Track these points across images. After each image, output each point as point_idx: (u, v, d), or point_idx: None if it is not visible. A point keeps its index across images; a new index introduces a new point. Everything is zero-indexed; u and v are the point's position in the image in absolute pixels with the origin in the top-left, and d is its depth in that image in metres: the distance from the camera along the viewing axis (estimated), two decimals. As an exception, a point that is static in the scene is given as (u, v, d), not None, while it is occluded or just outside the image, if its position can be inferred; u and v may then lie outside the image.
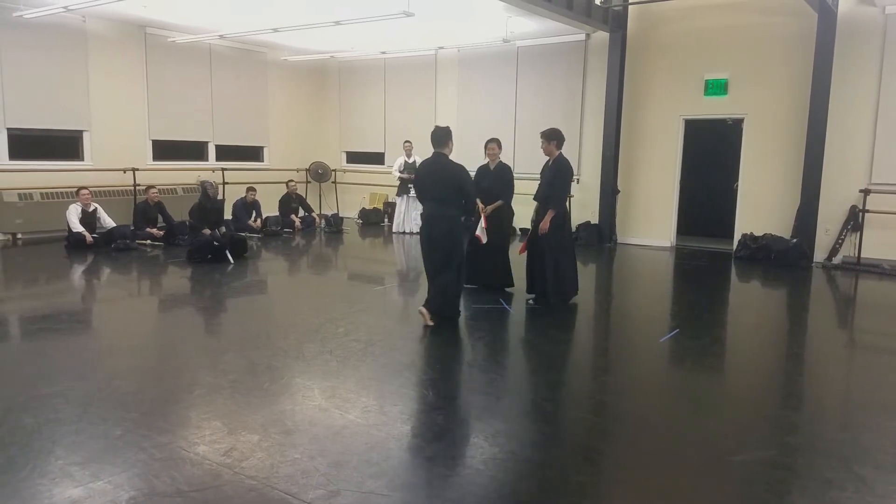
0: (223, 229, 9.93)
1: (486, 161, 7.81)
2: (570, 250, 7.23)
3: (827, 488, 3.23)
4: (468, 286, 7.51)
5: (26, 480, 3.16)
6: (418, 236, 12.51)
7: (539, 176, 7.29)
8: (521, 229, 12.27)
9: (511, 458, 3.49)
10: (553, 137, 7.06)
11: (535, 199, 7.32)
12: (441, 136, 6.10)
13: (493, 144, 7.80)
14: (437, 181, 6.04)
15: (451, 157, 6.28)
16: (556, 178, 6.98)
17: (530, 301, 7.20)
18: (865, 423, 4.12)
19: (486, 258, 7.54)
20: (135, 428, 3.70)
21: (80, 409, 3.97)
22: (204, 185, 10.12)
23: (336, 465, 3.34)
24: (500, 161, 7.80)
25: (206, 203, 9.92)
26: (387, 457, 3.46)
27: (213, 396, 4.26)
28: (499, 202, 7.47)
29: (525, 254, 7.33)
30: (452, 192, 5.98)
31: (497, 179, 7.62)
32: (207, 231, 9.51)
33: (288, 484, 3.15)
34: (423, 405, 4.21)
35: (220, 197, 10.34)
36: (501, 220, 7.66)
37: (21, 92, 10.84)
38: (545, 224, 6.89)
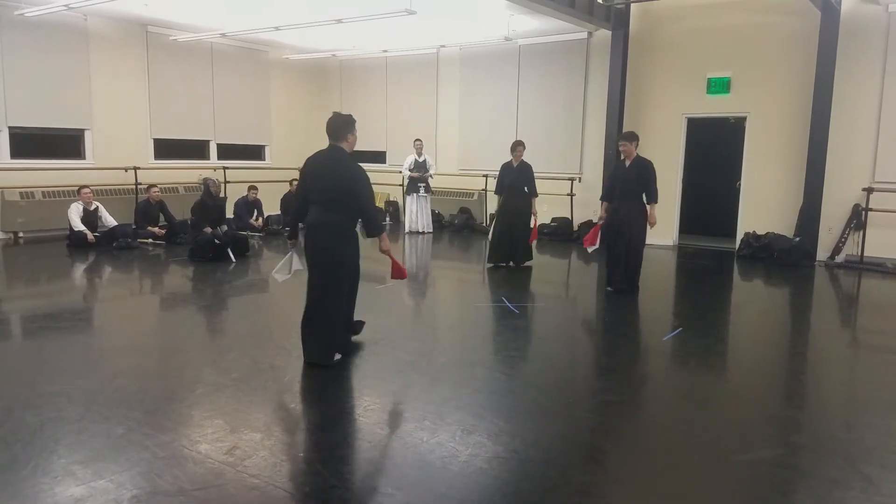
0: (224, 228, 9.91)
1: (510, 160, 9.23)
2: (643, 243, 7.90)
3: (833, 488, 3.22)
4: (499, 265, 9.26)
5: (29, 479, 3.15)
6: (419, 236, 12.50)
7: (611, 178, 7.99)
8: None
9: (514, 457, 3.48)
10: (635, 139, 7.73)
11: (603, 199, 8.08)
12: (339, 126, 4.84)
13: (520, 146, 9.28)
14: (326, 181, 4.77)
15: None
16: (650, 176, 7.56)
17: (609, 289, 7.85)
18: (870, 422, 4.10)
19: (508, 240, 9.13)
20: (137, 426, 3.69)
21: (82, 408, 3.96)
22: (206, 183, 9.96)
23: (338, 464, 3.33)
24: (523, 160, 9.22)
25: (208, 201, 9.77)
26: (390, 455, 3.45)
27: (216, 395, 4.25)
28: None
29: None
30: (344, 196, 4.72)
31: (521, 175, 9.12)
32: (209, 229, 9.49)
33: (290, 483, 3.14)
34: (427, 403, 4.20)
35: (222, 195, 10.19)
36: (524, 208, 9.11)
37: (23, 91, 10.83)
38: (653, 218, 7.59)
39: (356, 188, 4.72)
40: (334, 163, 4.81)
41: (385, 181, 14.24)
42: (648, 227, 7.64)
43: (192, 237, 9.61)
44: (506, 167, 9.28)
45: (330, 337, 4.82)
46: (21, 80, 10.78)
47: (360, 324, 5.45)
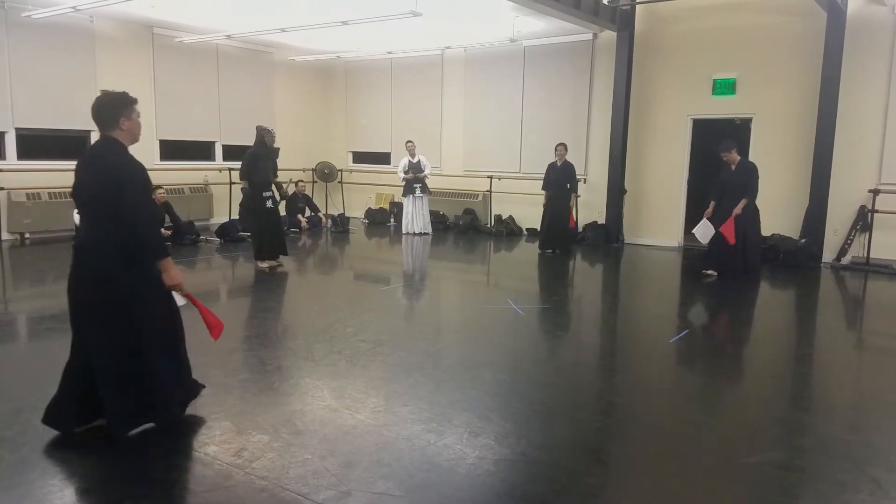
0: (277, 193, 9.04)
1: (555, 160, 10.58)
2: (759, 235, 9.01)
3: (841, 491, 3.21)
4: (546, 252, 10.58)
5: (37, 481, 3.16)
6: (418, 237, 12.51)
7: (720, 181, 8.84)
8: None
9: (522, 460, 3.48)
10: (734, 147, 8.69)
11: (713, 198, 8.85)
12: (105, 110, 3.58)
13: (562, 147, 10.57)
14: (85, 186, 3.58)
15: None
16: (753, 178, 8.58)
17: (709, 273, 8.79)
18: (877, 425, 4.10)
19: (553, 231, 10.57)
20: (144, 428, 3.69)
21: (90, 409, 3.97)
22: (260, 130, 8.82)
23: (347, 466, 3.34)
24: (566, 160, 10.54)
25: (260, 150, 8.68)
26: (397, 457, 3.45)
27: (224, 396, 4.26)
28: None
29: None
30: (108, 206, 3.43)
31: (563, 173, 10.48)
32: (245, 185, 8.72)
33: (299, 484, 3.14)
34: (433, 405, 4.20)
35: (276, 145, 8.97)
36: (565, 202, 10.55)
37: (29, 92, 10.88)
38: (739, 209, 8.50)
39: (116, 190, 3.40)
40: (96, 161, 3.57)
41: (390, 182, 14.27)
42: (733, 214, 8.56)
43: (246, 204, 8.93)
44: (551, 166, 10.67)
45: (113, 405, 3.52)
46: (28, 81, 10.82)
47: (188, 394, 3.93)
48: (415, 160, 12.62)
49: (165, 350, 3.68)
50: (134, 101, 3.64)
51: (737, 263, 8.70)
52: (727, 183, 8.72)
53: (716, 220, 8.73)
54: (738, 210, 8.51)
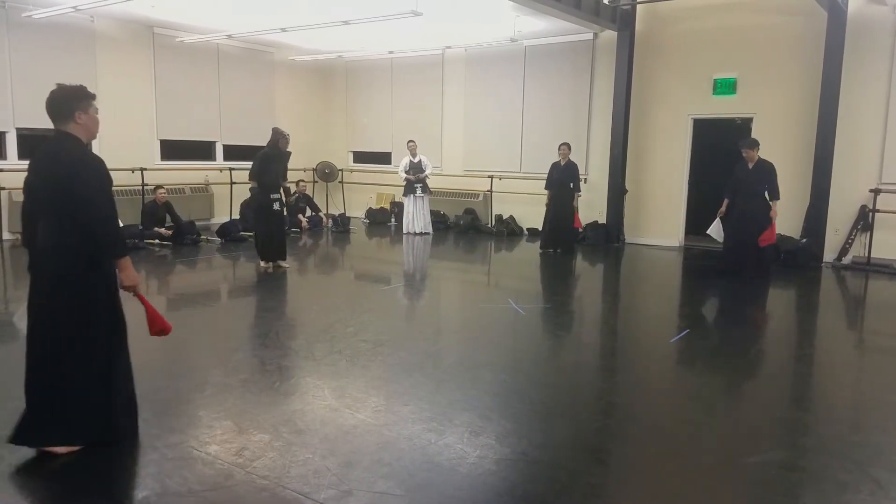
0: (288, 192, 9.09)
1: (558, 159, 10.70)
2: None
3: (842, 490, 3.21)
4: (548, 251, 10.62)
5: (38, 481, 3.16)
6: (418, 237, 12.51)
7: (735, 179, 8.84)
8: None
9: (522, 459, 3.48)
10: (756, 145, 8.73)
11: (727, 196, 8.87)
12: (60, 102, 3.39)
13: (565, 147, 10.72)
14: (39, 183, 3.39)
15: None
16: (773, 176, 8.65)
17: (755, 275, 8.68)
18: (879, 425, 4.10)
19: (556, 229, 10.65)
20: (146, 427, 3.70)
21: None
22: (276, 133, 8.79)
23: (347, 465, 3.34)
24: (570, 159, 10.68)
25: (272, 152, 8.70)
26: (398, 457, 3.45)
27: (224, 396, 4.27)
28: (775, 206, 8.70)
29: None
30: (60, 199, 3.27)
31: (566, 173, 10.61)
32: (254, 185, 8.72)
33: (300, 484, 3.15)
34: (434, 405, 4.20)
35: (289, 150, 8.95)
36: (568, 202, 10.62)
37: (30, 92, 10.85)
38: (775, 213, 8.61)
39: (74, 189, 3.23)
40: (50, 157, 3.37)
41: (390, 182, 14.28)
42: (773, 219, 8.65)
43: (256, 200, 8.93)
44: (554, 165, 10.77)
45: (43, 415, 3.34)
46: (28, 81, 10.82)
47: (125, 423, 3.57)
48: (416, 160, 12.63)
49: (100, 367, 3.42)
50: (91, 96, 3.49)
51: (753, 263, 8.73)
52: (742, 181, 8.74)
53: (729, 219, 8.81)
54: (773, 215, 8.60)
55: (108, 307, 3.46)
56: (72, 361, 3.34)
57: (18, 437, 3.33)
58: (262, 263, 8.71)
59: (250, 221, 11.88)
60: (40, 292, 3.36)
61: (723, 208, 8.94)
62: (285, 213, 11.97)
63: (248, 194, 12.29)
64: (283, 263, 8.81)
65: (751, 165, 8.73)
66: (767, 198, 8.66)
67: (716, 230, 9.00)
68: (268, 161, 8.67)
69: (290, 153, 9.02)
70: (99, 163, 3.41)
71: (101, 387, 3.41)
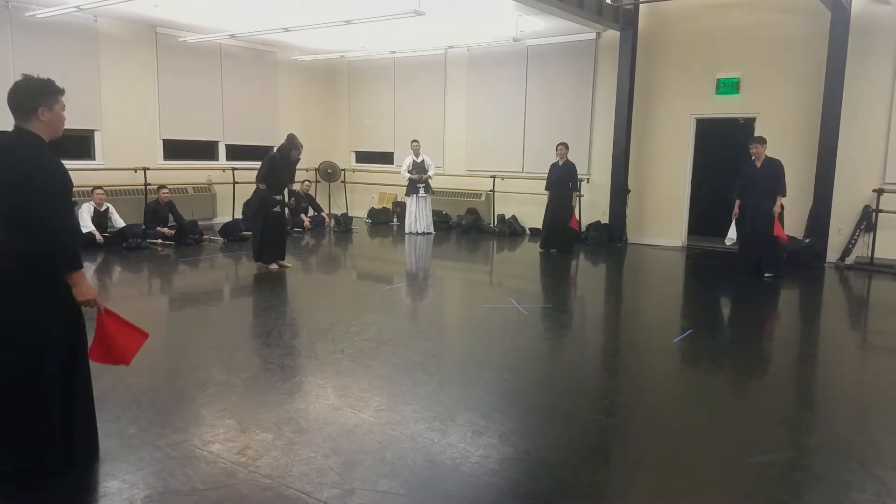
0: (292, 199, 9.04)
1: (556, 160, 10.70)
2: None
3: (847, 490, 3.20)
4: (549, 251, 10.55)
5: (44, 479, 3.16)
6: (421, 237, 12.50)
7: (743, 177, 8.86)
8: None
9: (525, 458, 3.47)
10: (764, 142, 8.79)
11: (735, 197, 8.92)
12: (24, 97, 3.12)
13: (562, 147, 10.68)
14: None
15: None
16: (780, 173, 8.67)
17: (768, 276, 8.69)
18: (883, 424, 4.09)
19: (554, 229, 10.68)
20: (149, 426, 3.70)
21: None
22: (291, 141, 8.73)
23: (350, 464, 3.33)
24: (567, 159, 10.66)
25: (281, 160, 8.64)
26: (401, 456, 3.45)
27: (227, 395, 4.26)
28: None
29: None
30: (16, 207, 2.99)
31: (564, 173, 10.61)
32: (262, 187, 8.55)
33: (303, 483, 3.14)
34: (437, 404, 4.19)
35: (298, 157, 8.96)
36: (566, 202, 10.62)
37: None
38: (777, 207, 8.61)
39: (29, 193, 2.94)
40: (6, 155, 3.08)
41: (393, 182, 14.27)
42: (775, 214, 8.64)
43: (254, 202, 8.82)
44: (553, 165, 10.80)
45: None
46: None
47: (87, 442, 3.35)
48: (419, 160, 12.63)
49: (61, 389, 3.15)
50: (59, 91, 3.18)
51: (770, 264, 8.75)
52: (752, 179, 8.73)
53: (742, 220, 8.82)
54: (776, 209, 8.61)
55: (64, 318, 3.14)
56: (23, 380, 3.05)
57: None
58: (268, 266, 8.66)
59: (250, 220, 11.92)
60: None
61: (736, 209, 8.94)
62: (287, 213, 12.02)
63: (251, 194, 12.35)
64: (284, 263, 8.79)
65: (758, 163, 8.72)
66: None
67: (734, 232, 9.01)
68: (276, 166, 8.66)
69: (298, 159, 9.03)
70: (57, 166, 3.13)
71: (56, 407, 3.12)
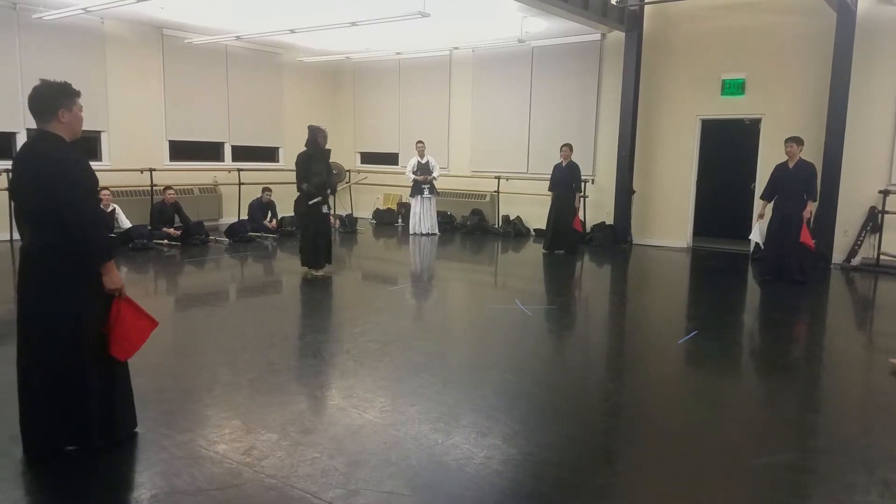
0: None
1: (560, 160, 10.75)
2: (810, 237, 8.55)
3: (851, 492, 3.20)
4: (554, 252, 10.52)
5: (49, 478, 3.19)
6: (425, 237, 12.48)
7: (774, 179, 8.58)
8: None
9: (529, 460, 3.48)
10: (801, 142, 8.48)
11: (763, 198, 8.72)
12: (43, 99, 3.31)
13: (566, 148, 10.73)
14: (21, 184, 3.33)
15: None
16: (813, 177, 8.41)
17: (799, 280, 8.39)
18: (888, 426, 4.08)
19: (558, 230, 10.69)
20: (155, 426, 3.72)
21: (100, 408, 3.99)
22: (312, 130, 8.29)
23: (355, 465, 3.35)
24: (571, 160, 10.73)
25: (312, 152, 8.22)
26: (405, 456, 3.46)
27: (233, 395, 4.29)
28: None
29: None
30: (43, 206, 3.18)
31: (568, 173, 10.68)
32: (304, 185, 8.15)
33: (307, 483, 3.16)
34: (441, 405, 4.21)
35: (326, 141, 8.37)
36: (570, 203, 10.69)
37: (40, 93, 10.94)
38: (808, 213, 8.37)
39: (54, 191, 3.13)
40: (33, 159, 3.27)
41: (398, 183, 14.29)
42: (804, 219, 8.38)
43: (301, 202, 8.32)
44: (557, 166, 10.85)
45: (43, 421, 3.30)
46: (38, 82, 10.89)
47: (125, 426, 3.55)
48: (424, 160, 12.65)
49: (99, 369, 3.36)
50: (76, 93, 3.36)
51: (794, 269, 8.44)
52: (782, 181, 8.46)
53: (773, 223, 8.55)
54: (807, 214, 8.35)
55: (98, 308, 3.35)
56: (66, 365, 3.26)
57: (29, 445, 3.31)
58: (312, 272, 8.23)
59: (258, 222, 11.96)
60: (29, 296, 3.27)
61: (761, 210, 8.77)
62: (290, 210, 11.96)
63: (256, 194, 12.40)
64: (322, 270, 8.36)
65: (791, 165, 8.45)
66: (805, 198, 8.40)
67: (758, 234, 8.77)
68: (309, 162, 8.19)
69: (329, 150, 8.52)
70: (84, 164, 3.33)
71: (98, 387, 3.35)
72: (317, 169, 8.17)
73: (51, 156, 3.20)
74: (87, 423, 3.33)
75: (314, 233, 8.23)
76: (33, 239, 3.25)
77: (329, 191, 8.50)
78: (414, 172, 12.65)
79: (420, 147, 12.70)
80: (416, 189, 12.66)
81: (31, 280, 3.27)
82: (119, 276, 3.42)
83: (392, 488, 3.13)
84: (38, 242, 3.23)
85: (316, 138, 8.20)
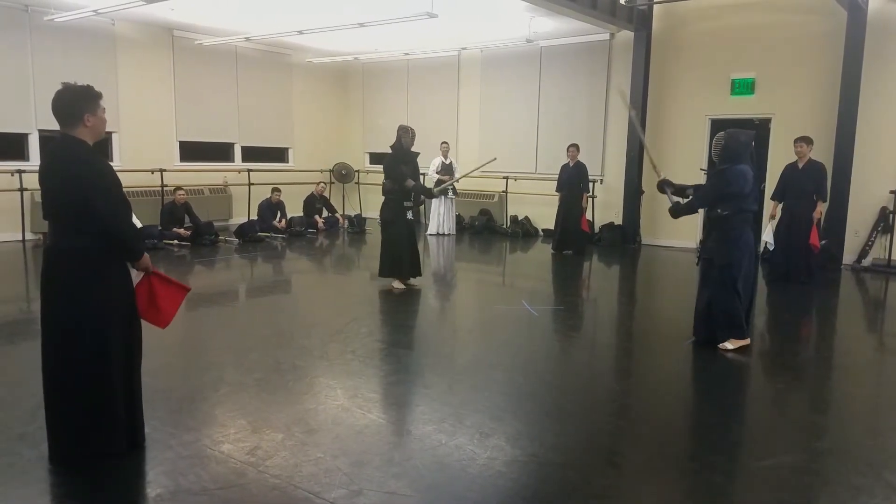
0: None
1: (567, 161, 10.74)
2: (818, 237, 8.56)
3: (856, 495, 3.18)
4: (562, 252, 10.46)
5: (54, 478, 3.22)
6: (434, 237, 12.48)
7: (783, 179, 8.53)
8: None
9: (533, 461, 3.48)
10: (811, 142, 8.44)
11: (774, 198, 8.65)
12: (67, 104, 3.34)
13: (573, 148, 10.71)
14: (47, 187, 3.30)
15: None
16: (823, 177, 8.40)
17: (804, 280, 8.38)
18: (895, 429, 4.04)
19: (566, 231, 10.65)
20: (161, 425, 3.75)
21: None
22: (401, 129, 7.79)
23: (358, 465, 3.36)
24: (578, 160, 10.71)
25: (400, 155, 7.69)
26: (409, 457, 3.47)
27: (239, 395, 4.31)
28: (821, 207, 8.46)
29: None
30: (72, 209, 3.20)
31: (575, 173, 10.67)
32: (411, 182, 7.61)
33: (311, 483, 3.17)
34: (445, 406, 4.21)
35: (413, 148, 7.89)
36: (577, 204, 10.68)
37: (51, 94, 10.97)
38: (818, 213, 8.35)
39: (86, 196, 3.14)
40: (57, 160, 3.29)
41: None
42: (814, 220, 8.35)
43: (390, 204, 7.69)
44: (564, 167, 10.84)
45: (66, 428, 3.30)
46: (50, 83, 10.80)
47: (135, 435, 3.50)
48: (447, 161, 12.68)
49: (123, 372, 3.38)
50: (99, 96, 3.35)
51: (801, 270, 8.42)
52: (794, 182, 8.41)
53: (782, 223, 8.50)
54: (817, 215, 8.32)
55: (124, 311, 3.37)
56: (93, 370, 3.25)
57: (56, 450, 3.30)
58: (396, 284, 7.66)
59: (268, 222, 12.01)
60: (54, 298, 3.25)
61: (773, 211, 8.69)
62: (300, 210, 11.98)
63: (266, 195, 12.46)
64: (412, 282, 7.81)
65: (801, 164, 8.38)
66: (815, 198, 8.35)
67: (770, 234, 8.62)
68: (397, 164, 7.64)
69: (417, 153, 7.97)
70: (108, 167, 3.37)
71: (122, 393, 3.35)
72: (406, 172, 7.62)
73: (77, 162, 3.21)
74: (114, 427, 3.33)
75: (399, 241, 7.56)
76: (60, 241, 3.24)
77: (422, 196, 8.00)
78: (437, 172, 12.67)
79: (444, 148, 12.74)
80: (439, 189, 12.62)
81: (55, 282, 3.24)
82: (148, 260, 3.48)
83: (395, 488, 3.14)
84: (64, 245, 3.22)
85: (401, 139, 7.67)
